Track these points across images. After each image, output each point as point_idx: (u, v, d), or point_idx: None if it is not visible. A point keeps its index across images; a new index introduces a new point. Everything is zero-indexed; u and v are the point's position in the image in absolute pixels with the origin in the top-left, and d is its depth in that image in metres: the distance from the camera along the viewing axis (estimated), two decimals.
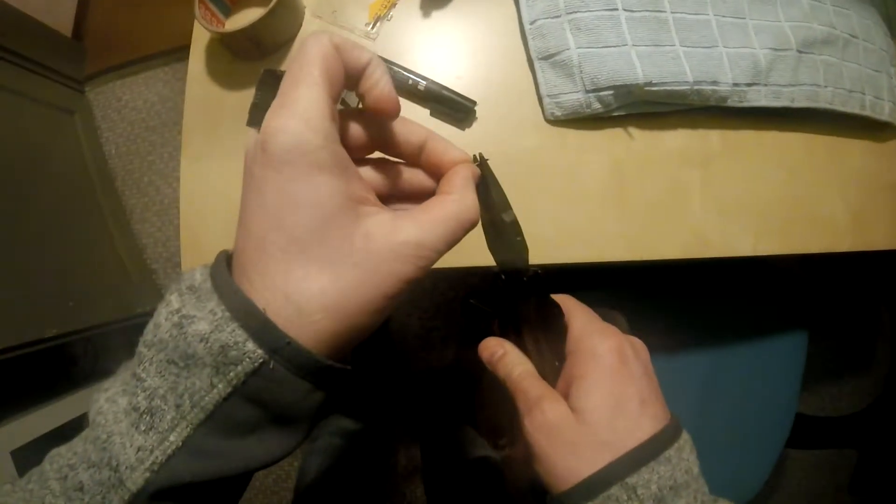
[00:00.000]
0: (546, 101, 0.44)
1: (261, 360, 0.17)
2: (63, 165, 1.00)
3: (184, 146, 0.48)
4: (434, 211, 0.21)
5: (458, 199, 0.21)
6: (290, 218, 0.18)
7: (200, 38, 0.50)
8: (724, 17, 0.49)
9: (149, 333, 0.19)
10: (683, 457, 0.24)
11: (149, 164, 1.14)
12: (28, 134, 0.95)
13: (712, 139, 0.48)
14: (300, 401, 0.19)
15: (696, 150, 0.47)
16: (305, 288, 0.18)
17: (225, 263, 0.19)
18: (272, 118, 0.18)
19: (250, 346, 0.17)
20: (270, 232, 0.18)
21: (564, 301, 0.30)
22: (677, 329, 0.59)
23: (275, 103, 0.19)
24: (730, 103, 0.47)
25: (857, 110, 0.54)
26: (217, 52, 0.49)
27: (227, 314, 0.17)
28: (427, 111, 0.44)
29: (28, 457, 0.79)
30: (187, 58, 0.50)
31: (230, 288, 0.18)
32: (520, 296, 0.29)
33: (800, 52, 0.51)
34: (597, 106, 0.43)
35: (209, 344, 0.17)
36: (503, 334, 0.31)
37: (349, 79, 0.21)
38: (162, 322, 0.18)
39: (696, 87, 0.45)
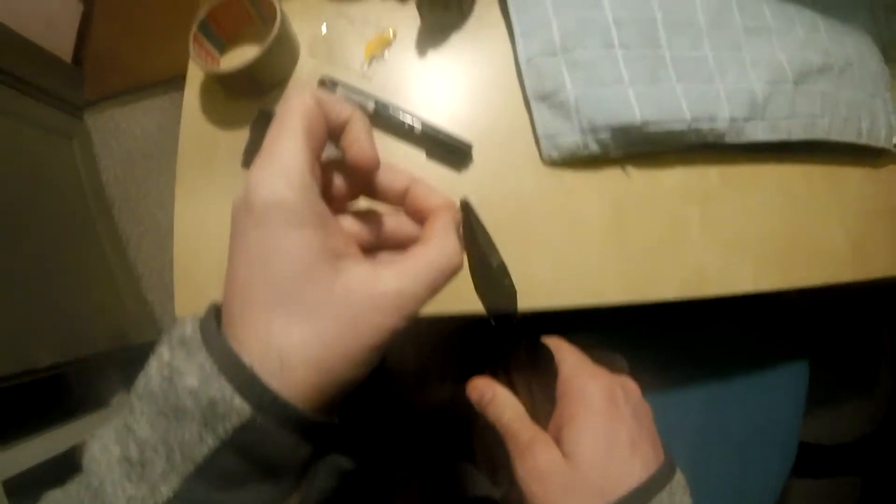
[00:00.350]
0: (543, 141, 0.43)
1: (248, 416, 0.17)
2: (60, 191, 0.99)
3: (178, 182, 0.47)
4: (414, 259, 0.21)
5: (438, 246, 0.21)
6: (270, 271, 0.18)
7: (196, 74, 0.49)
8: (720, 52, 0.48)
9: (140, 385, 0.19)
10: (675, 500, 0.24)
11: (145, 193, 1.13)
12: (26, 158, 0.94)
13: (710, 175, 0.47)
14: (289, 453, 0.19)
15: (694, 187, 0.46)
16: (286, 341, 0.18)
17: (214, 316, 0.20)
18: (254, 173, 0.19)
19: (238, 401, 0.17)
20: (253, 284, 0.19)
21: (555, 344, 0.30)
22: (675, 363, 0.59)
23: (258, 157, 0.19)
24: (727, 140, 0.47)
25: (853, 139, 0.54)
26: (212, 89, 0.48)
27: (215, 368, 0.17)
28: (423, 153, 0.43)
29: (21, 486, 0.77)
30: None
31: (218, 342, 0.18)
32: (510, 339, 0.29)
33: (796, 83, 0.51)
34: (594, 147, 0.43)
35: (198, 398, 0.17)
36: (494, 376, 0.31)
37: (331, 133, 0.21)
38: (153, 375, 0.19)
39: (693, 126, 0.44)
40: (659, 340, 0.59)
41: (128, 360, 0.98)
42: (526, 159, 0.44)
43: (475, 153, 0.43)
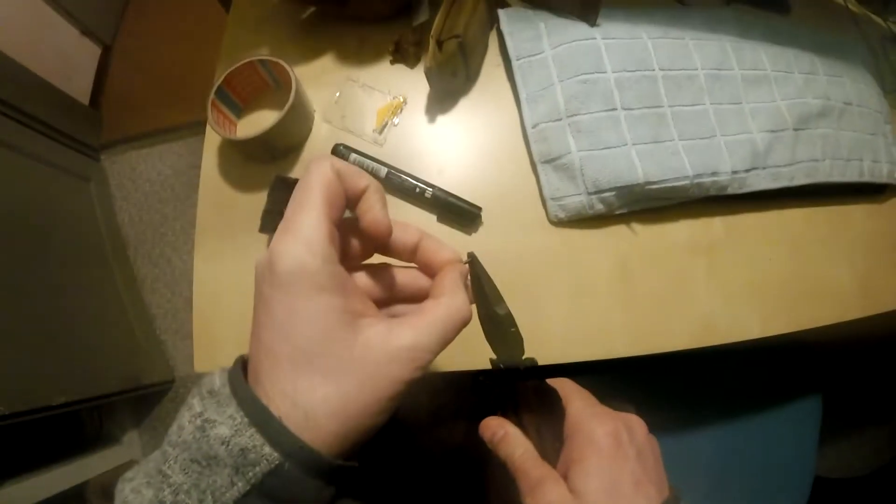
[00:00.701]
0: (550, 203, 0.44)
1: (276, 462, 0.19)
2: (77, 232, 1.01)
3: (197, 244, 0.48)
4: (426, 315, 0.23)
5: (447, 302, 0.23)
6: (295, 333, 0.20)
7: (214, 138, 0.51)
8: (720, 104, 0.49)
9: (173, 434, 0.20)
10: None
11: (161, 236, 1.14)
12: (43, 198, 0.96)
13: (715, 226, 0.48)
14: (313, 496, 0.20)
15: (699, 239, 0.47)
16: (311, 396, 0.20)
17: (241, 370, 0.21)
18: (278, 242, 0.21)
19: (267, 449, 0.19)
20: (279, 344, 0.21)
21: (562, 385, 0.32)
22: (686, 402, 0.59)
23: (281, 226, 0.21)
24: (730, 191, 0.48)
25: (856, 178, 0.55)
26: (229, 153, 0.50)
27: (246, 420, 0.19)
28: (434, 216, 0.45)
29: None
30: (202, 132, 0.51)
31: (247, 395, 0.20)
32: (518, 382, 0.31)
33: (796, 129, 0.52)
34: (599, 207, 0.44)
35: (230, 447, 0.19)
36: (505, 416, 0.32)
37: (349, 201, 0.23)
38: (185, 424, 0.20)
39: (696, 181, 0.45)
40: (670, 380, 0.59)
41: (140, 398, 1.00)
42: (533, 219, 0.45)
43: (484, 215, 0.44)
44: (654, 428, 0.32)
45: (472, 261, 0.28)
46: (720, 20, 0.54)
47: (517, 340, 0.30)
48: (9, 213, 0.88)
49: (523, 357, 0.30)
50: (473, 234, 0.44)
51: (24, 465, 0.82)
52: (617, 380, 0.54)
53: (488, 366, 0.36)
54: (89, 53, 1.17)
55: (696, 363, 0.60)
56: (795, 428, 0.62)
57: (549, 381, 0.32)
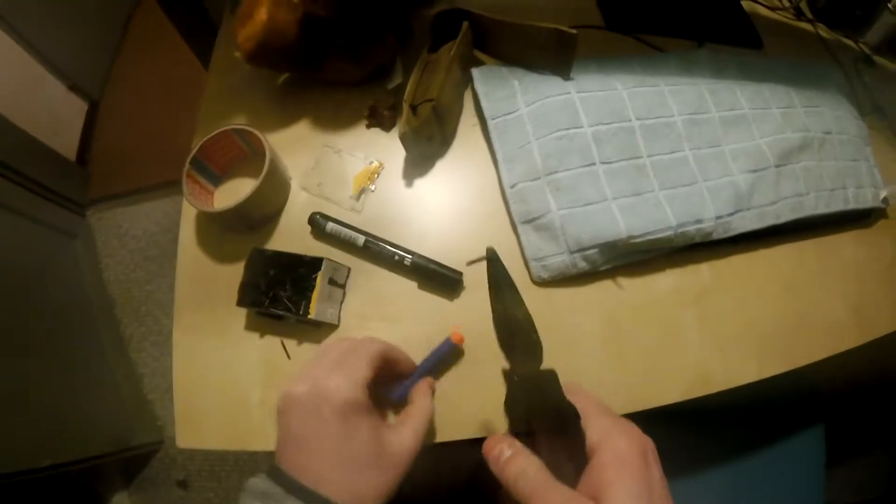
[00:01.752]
0: (532, 263, 0.43)
1: None
2: (63, 289, 0.99)
3: (175, 319, 0.47)
4: (414, 419, 0.34)
5: (424, 404, 0.36)
6: (354, 443, 0.29)
7: (191, 209, 0.49)
8: (700, 149, 0.48)
9: None
10: None
11: (147, 294, 1.12)
12: (28, 255, 0.95)
13: (703, 273, 0.47)
14: None
15: (687, 288, 0.46)
16: (364, 487, 0.29)
17: (279, 472, 0.28)
18: (339, 377, 0.31)
19: None
20: (339, 453, 0.29)
21: (581, 400, 0.29)
22: (690, 443, 0.57)
23: (336, 365, 0.32)
24: (715, 236, 0.46)
25: (841, 207, 0.53)
26: (206, 224, 0.49)
27: None
28: (415, 284, 0.43)
29: None
30: None
31: (302, 490, 0.27)
32: (534, 397, 0.28)
33: (778, 166, 0.51)
34: (583, 265, 0.42)
35: None
36: (515, 437, 0.29)
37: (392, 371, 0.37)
38: None
39: (679, 231, 0.44)
40: (670, 424, 0.57)
41: (129, 459, 0.97)
42: (516, 280, 0.42)
43: (466, 279, 0.43)
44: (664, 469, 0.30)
45: (491, 258, 0.26)
46: (694, 62, 0.54)
47: (536, 347, 0.27)
48: None
49: (541, 367, 0.27)
50: (455, 300, 0.43)
51: None
52: None
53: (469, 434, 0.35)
54: (76, 109, 1.17)
55: (694, 404, 0.59)
56: (801, 459, 0.60)
57: (567, 392, 0.28)
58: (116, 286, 1.16)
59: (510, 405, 0.32)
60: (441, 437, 0.40)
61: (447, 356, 0.40)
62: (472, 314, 0.42)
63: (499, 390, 0.41)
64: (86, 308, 1.04)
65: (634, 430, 0.27)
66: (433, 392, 0.37)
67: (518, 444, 0.28)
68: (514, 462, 0.27)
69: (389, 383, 0.38)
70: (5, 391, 0.82)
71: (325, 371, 0.31)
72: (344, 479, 0.28)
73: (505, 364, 0.31)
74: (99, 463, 0.92)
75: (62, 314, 0.97)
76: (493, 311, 0.26)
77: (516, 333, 0.27)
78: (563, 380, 0.29)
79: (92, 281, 1.08)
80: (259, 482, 0.28)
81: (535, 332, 0.27)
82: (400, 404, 0.38)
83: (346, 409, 0.29)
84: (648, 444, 0.27)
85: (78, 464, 0.88)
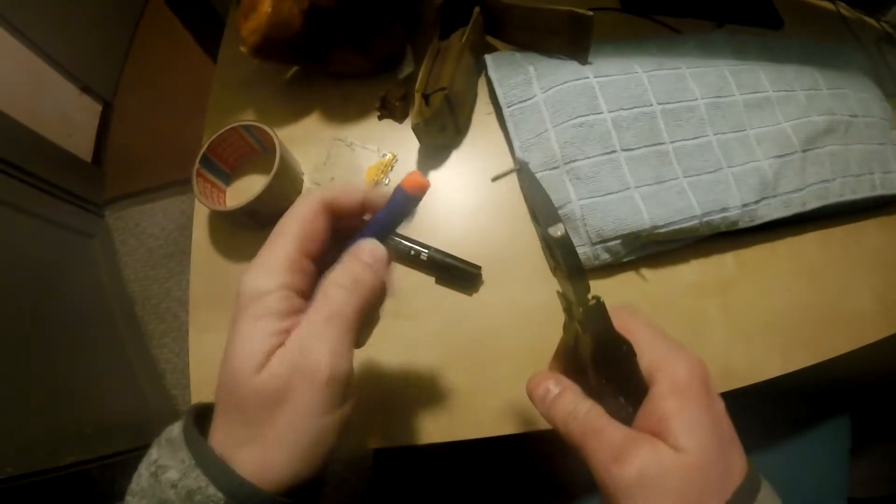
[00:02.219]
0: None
1: (222, 503, 0.18)
2: (82, 289, 0.99)
3: (191, 317, 0.46)
4: (314, 310, 0.21)
5: (330, 281, 0.22)
6: (228, 364, 0.20)
7: (202, 207, 0.48)
8: (724, 133, 0.46)
9: (133, 482, 0.20)
10: (768, 486, 0.22)
11: (167, 291, 1.11)
12: (47, 257, 0.95)
13: (727, 263, 0.44)
14: None
15: (711, 279, 0.43)
16: (230, 425, 0.20)
17: (193, 414, 0.21)
18: (245, 271, 0.21)
19: (211, 490, 0.18)
20: (220, 379, 0.20)
21: (631, 326, 0.24)
22: None
23: (255, 258, 0.22)
24: (741, 225, 0.44)
25: (868, 193, 0.51)
26: (218, 222, 0.47)
27: (193, 461, 0.19)
28: (432, 278, 0.41)
29: None
30: None
31: (193, 436, 0.20)
32: (580, 327, 0.23)
33: (804, 151, 0.48)
34: (605, 256, 0.40)
35: (178, 490, 0.18)
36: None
37: (349, 217, 0.24)
38: (142, 472, 0.20)
39: (705, 220, 0.42)
40: None
41: None
42: (536, 274, 0.41)
43: (485, 273, 0.41)
44: None
45: (522, 170, 0.23)
46: (715, 44, 0.51)
47: (576, 272, 0.22)
48: (13, 272, 0.87)
49: (589, 295, 0.22)
50: (474, 294, 0.41)
51: None
52: None
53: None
54: (90, 111, 1.16)
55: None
56: (824, 451, 0.58)
57: (612, 314, 0.24)
58: (136, 284, 1.15)
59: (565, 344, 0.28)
60: (456, 436, 0.38)
61: (403, 211, 0.25)
62: (491, 308, 0.40)
63: (517, 389, 0.40)
64: (106, 306, 1.03)
65: (694, 357, 0.23)
66: (382, 265, 0.23)
67: (566, 381, 0.25)
68: (563, 400, 0.24)
69: None
70: (28, 391, 0.82)
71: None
72: (223, 414, 0.20)
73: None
74: (122, 459, 0.92)
75: (83, 313, 0.97)
76: (537, 232, 0.23)
77: (554, 254, 0.23)
78: None
79: (111, 279, 1.07)
80: (176, 426, 0.21)
81: (574, 253, 0.22)
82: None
83: (245, 306, 0.20)
84: (707, 372, 0.23)
85: (100, 460, 0.88)
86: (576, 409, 0.23)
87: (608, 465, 0.21)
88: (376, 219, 0.24)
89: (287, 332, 0.20)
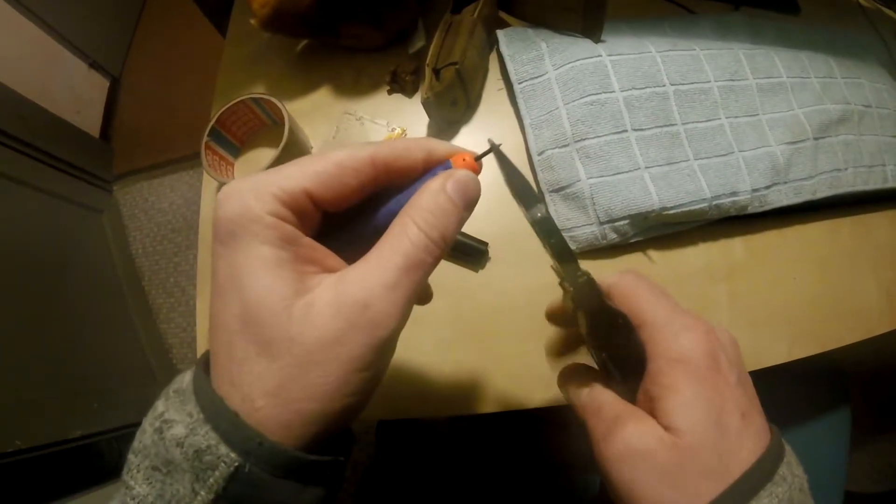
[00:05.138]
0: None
1: (235, 465, 0.15)
2: (91, 264, 0.99)
3: (199, 289, 0.46)
4: (383, 247, 0.17)
5: (407, 223, 0.17)
6: (231, 293, 0.16)
7: (211, 180, 0.48)
8: (736, 117, 0.45)
9: (136, 439, 0.17)
10: (795, 473, 0.20)
11: (175, 266, 1.11)
12: (56, 232, 0.95)
13: (735, 248, 0.44)
14: (291, 501, 0.16)
15: (719, 264, 0.43)
16: (246, 371, 0.16)
17: (203, 363, 0.18)
18: (230, 188, 0.17)
19: (223, 449, 0.15)
20: (219, 311, 0.17)
21: (632, 292, 0.23)
22: None
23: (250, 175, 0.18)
24: (750, 210, 0.43)
25: (880, 185, 0.50)
26: None
27: (202, 416, 0.16)
28: None
29: None
30: None
31: (202, 386, 0.16)
32: (573, 303, 0.23)
33: (816, 139, 0.47)
34: (613, 236, 0.40)
35: (184, 449, 0.15)
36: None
37: (401, 176, 0.19)
38: (146, 427, 0.17)
39: (714, 203, 0.41)
40: None
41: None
42: (543, 253, 0.40)
43: (492, 250, 0.40)
44: None
45: (493, 150, 0.21)
46: (730, 26, 0.50)
47: (564, 252, 0.22)
48: (23, 247, 0.87)
49: (578, 273, 0.22)
50: (481, 271, 0.40)
51: (44, 497, 0.80)
52: None
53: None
54: (98, 86, 1.16)
55: None
56: (825, 441, 0.58)
57: (612, 283, 0.24)
58: (144, 259, 1.14)
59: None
60: (460, 410, 0.38)
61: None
62: (498, 285, 0.40)
63: (523, 366, 0.40)
64: (114, 281, 1.03)
65: (700, 326, 0.21)
66: (469, 210, 0.19)
67: (584, 366, 0.25)
68: (566, 377, 0.24)
69: None
70: (36, 364, 0.83)
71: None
72: (227, 360, 0.16)
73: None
74: (129, 432, 0.92)
75: (91, 288, 0.97)
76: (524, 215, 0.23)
77: (540, 236, 0.23)
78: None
79: (119, 254, 1.07)
80: (187, 374, 0.18)
81: (558, 235, 0.22)
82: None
83: (231, 231, 0.16)
84: (716, 340, 0.21)
85: (108, 433, 0.89)
86: (579, 389, 0.23)
87: (598, 442, 0.21)
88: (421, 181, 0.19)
89: (300, 260, 0.17)
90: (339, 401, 0.16)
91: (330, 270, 0.18)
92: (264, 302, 0.16)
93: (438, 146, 0.20)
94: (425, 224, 0.17)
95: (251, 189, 0.16)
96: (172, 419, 0.16)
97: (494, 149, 0.21)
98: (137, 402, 0.96)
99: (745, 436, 0.20)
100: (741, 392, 0.21)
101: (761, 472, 0.19)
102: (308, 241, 0.17)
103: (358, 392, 0.16)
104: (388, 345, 0.17)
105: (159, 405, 0.17)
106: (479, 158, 0.20)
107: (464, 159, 0.20)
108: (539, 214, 0.22)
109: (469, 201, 0.19)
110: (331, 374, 0.16)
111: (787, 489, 0.18)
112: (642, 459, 0.19)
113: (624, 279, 0.24)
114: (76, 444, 0.83)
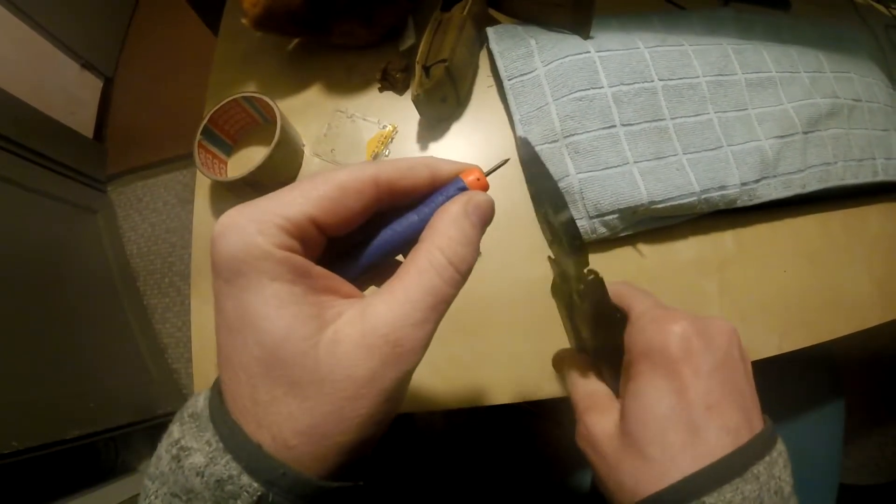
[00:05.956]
0: None
1: (258, 494, 0.15)
2: (86, 264, 0.99)
3: (193, 287, 0.46)
4: (406, 275, 0.16)
5: (432, 250, 0.16)
6: (247, 335, 0.16)
7: (204, 179, 0.48)
8: (725, 112, 0.45)
9: (153, 465, 0.17)
10: (776, 475, 0.19)
11: (169, 266, 1.11)
12: (51, 233, 0.95)
13: (726, 241, 0.44)
14: None
15: (710, 257, 0.43)
16: (275, 412, 0.15)
17: (219, 389, 0.17)
18: (224, 215, 0.16)
19: (245, 479, 0.15)
20: (234, 352, 0.16)
21: (621, 291, 0.26)
22: None
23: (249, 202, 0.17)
24: (739, 204, 0.44)
25: (870, 178, 0.50)
26: (221, 193, 0.47)
27: (221, 445, 0.15)
28: None
29: None
30: None
31: (221, 415, 0.16)
32: (579, 298, 0.25)
33: (806, 133, 0.48)
34: (602, 230, 0.40)
35: (205, 478, 0.15)
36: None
37: (403, 197, 0.18)
38: (163, 454, 0.17)
39: (703, 197, 0.41)
40: None
41: (155, 427, 0.97)
42: (534, 248, 0.41)
43: (482, 247, 0.41)
44: None
45: (523, 146, 0.23)
46: (719, 22, 0.50)
47: (581, 251, 0.24)
48: (17, 247, 0.87)
49: (586, 269, 0.23)
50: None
51: (42, 498, 0.80)
52: None
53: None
54: (91, 87, 1.16)
55: None
56: (819, 434, 0.58)
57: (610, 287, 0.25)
58: (139, 259, 1.14)
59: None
60: (452, 404, 0.39)
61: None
62: (488, 279, 0.40)
63: (514, 360, 0.40)
64: (109, 281, 1.03)
65: (675, 316, 0.22)
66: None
67: (568, 352, 0.28)
68: (561, 363, 0.26)
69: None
70: (32, 365, 0.83)
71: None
72: (245, 398, 0.16)
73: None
74: (125, 432, 0.93)
75: (86, 288, 0.97)
76: (536, 211, 0.24)
77: (556, 237, 0.24)
78: None
79: (114, 254, 1.07)
80: (200, 398, 0.17)
81: (579, 237, 0.23)
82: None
83: (236, 270, 0.15)
84: (692, 328, 0.21)
85: (105, 433, 0.89)
86: (567, 378, 0.26)
87: (575, 424, 0.23)
88: (433, 200, 0.19)
89: (314, 291, 0.16)
90: (369, 430, 0.16)
91: (345, 297, 0.17)
92: (286, 345, 0.15)
93: (443, 165, 0.19)
94: (454, 256, 0.17)
95: (252, 221, 0.16)
96: (190, 447, 0.16)
97: (504, 163, 0.22)
98: (134, 402, 0.96)
99: (706, 429, 0.19)
100: (714, 383, 0.20)
101: (725, 468, 0.18)
102: (319, 270, 0.17)
103: (384, 420, 0.17)
104: (411, 376, 0.17)
105: (175, 431, 0.17)
106: (489, 174, 0.20)
107: (478, 179, 0.19)
108: (565, 218, 0.23)
109: (487, 224, 0.19)
110: (363, 408, 0.16)
111: (759, 489, 0.18)
112: (593, 448, 0.22)
113: (618, 283, 0.27)
114: (73, 444, 0.83)
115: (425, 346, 0.16)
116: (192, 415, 0.17)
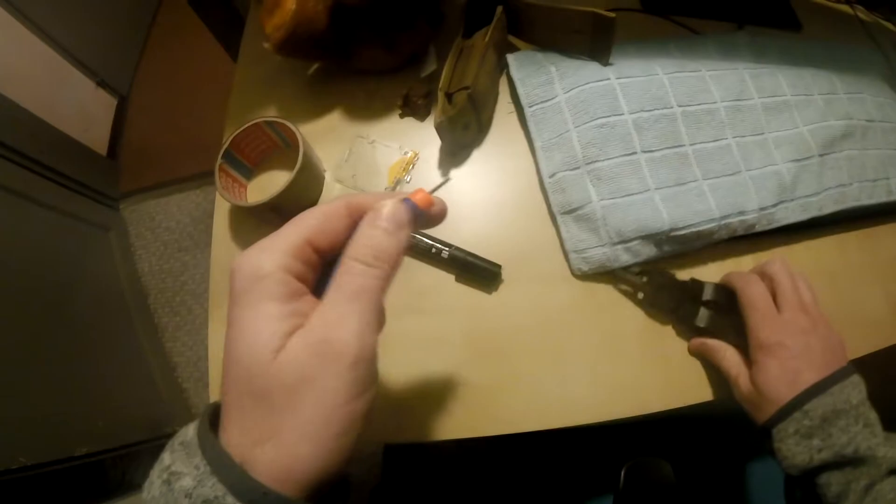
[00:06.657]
0: (572, 256, 0.41)
1: None
2: (97, 281, 0.99)
3: (211, 311, 0.46)
4: (331, 287, 0.19)
5: (344, 254, 0.20)
6: (239, 352, 0.18)
7: (223, 201, 0.48)
8: (743, 137, 0.46)
9: (145, 491, 0.18)
10: (845, 391, 0.32)
11: (181, 284, 1.11)
12: (63, 249, 0.95)
13: (744, 265, 0.44)
14: None
15: None
16: (250, 420, 0.18)
17: (208, 415, 0.19)
18: (243, 252, 0.20)
19: (230, 500, 0.16)
20: (231, 371, 0.18)
21: (728, 277, 0.40)
22: (696, 452, 0.55)
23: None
24: (758, 228, 0.44)
25: (884, 198, 0.51)
26: (240, 216, 0.48)
27: (208, 469, 0.17)
28: (452, 276, 0.42)
29: None
30: None
31: (209, 440, 0.18)
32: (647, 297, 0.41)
33: (821, 155, 0.48)
34: (625, 257, 0.40)
35: (193, 499, 0.16)
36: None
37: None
38: (154, 479, 0.18)
39: (723, 223, 0.42)
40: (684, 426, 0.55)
41: (163, 446, 0.96)
42: (556, 274, 0.41)
43: (505, 271, 0.41)
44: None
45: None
46: (734, 46, 0.51)
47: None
48: (30, 264, 0.87)
49: (638, 271, 0.41)
50: (494, 293, 0.41)
51: None
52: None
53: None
54: (106, 105, 1.17)
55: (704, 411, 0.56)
56: None
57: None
58: (150, 277, 1.14)
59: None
60: (472, 433, 0.38)
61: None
62: (510, 306, 0.40)
63: (536, 388, 0.40)
64: (120, 299, 1.03)
65: (776, 328, 0.35)
66: (404, 229, 0.21)
67: (708, 340, 0.39)
68: (707, 352, 0.39)
69: None
70: (42, 381, 0.82)
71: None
72: (237, 415, 0.18)
73: None
74: (134, 450, 0.92)
75: (98, 306, 0.97)
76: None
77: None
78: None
79: (126, 272, 1.07)
80: (191, 427, 0.19)
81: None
82: None
83: (245, 290, 0.18)
84: (785, 333, 0.35)
85: (114, 451, 0.89)
86: (720, 359, 0.38)
87: (732, 384, 0.37)
88: None
89: (296, 315, 0.19)
90: (330, 441, 0.18)
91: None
92: (257, 356, 0.18)
93: (377, 197, 0.23)
94: (356, 252, 0.20)
95: (261, 250, 0.20)
96: (180, 471, 0.17)
97: (446, 182, 0.28)
98: (143, 420, 0.96)
99: (796, 382, 0.33)
100: (801, 359, 0.34)
101: (805, 395, 0.32)
102: (310, 298, 0.20)
103: (344, 432, 0.18)
104: (358, 373, 0.18)
105: (165, 458, 0.19)
106: (433, 192, 0.24)
107: (421, 197, 0.23)
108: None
109: (399, 222, 0.21)
110: (314, 408, 0.17)
111: (833, 401, 0.31)
112: (744, 397, 0.36)
113: (729, 273, 0.41)
114: (81, 461, 0.82)
115: (356, 339, 0.18)
116: (183, 443, 0.18)
